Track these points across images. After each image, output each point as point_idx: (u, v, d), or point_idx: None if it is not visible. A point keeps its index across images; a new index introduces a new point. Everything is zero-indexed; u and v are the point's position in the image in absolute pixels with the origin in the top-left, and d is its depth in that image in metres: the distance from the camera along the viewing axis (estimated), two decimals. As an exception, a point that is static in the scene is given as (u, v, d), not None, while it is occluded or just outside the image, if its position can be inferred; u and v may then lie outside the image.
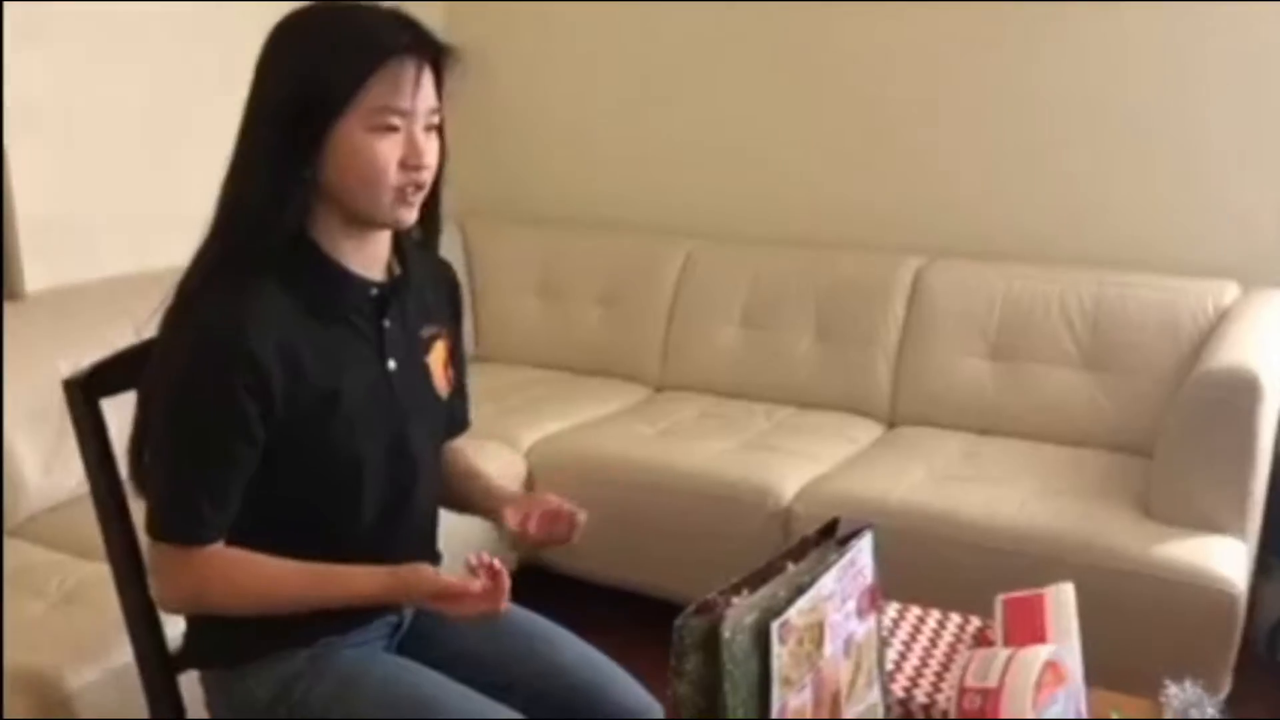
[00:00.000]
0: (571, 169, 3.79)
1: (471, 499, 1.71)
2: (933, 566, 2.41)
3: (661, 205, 3.63)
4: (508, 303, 3.65)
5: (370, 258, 1.49)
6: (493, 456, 2.83)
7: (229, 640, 1.50)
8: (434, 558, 1.66)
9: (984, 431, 2.97)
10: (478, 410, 3.06)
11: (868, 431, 3.04)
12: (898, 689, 1.38)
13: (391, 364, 1.53)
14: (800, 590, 1.13)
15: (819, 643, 1.15)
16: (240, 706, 1.50)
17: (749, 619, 1.06)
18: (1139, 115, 3.02)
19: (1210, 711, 1.47)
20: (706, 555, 2.57)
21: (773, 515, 2.60)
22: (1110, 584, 2.29)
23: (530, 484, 2.89)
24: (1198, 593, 2.24)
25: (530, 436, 2.97)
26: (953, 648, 1.48)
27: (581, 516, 1.59)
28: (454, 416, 1.72)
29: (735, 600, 1.13)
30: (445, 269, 1.69)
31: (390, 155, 1.39)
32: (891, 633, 1.51)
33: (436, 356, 1.63)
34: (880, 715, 1.28)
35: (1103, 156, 3.08)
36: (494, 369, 3.55)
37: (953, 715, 1.30)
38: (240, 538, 1.44)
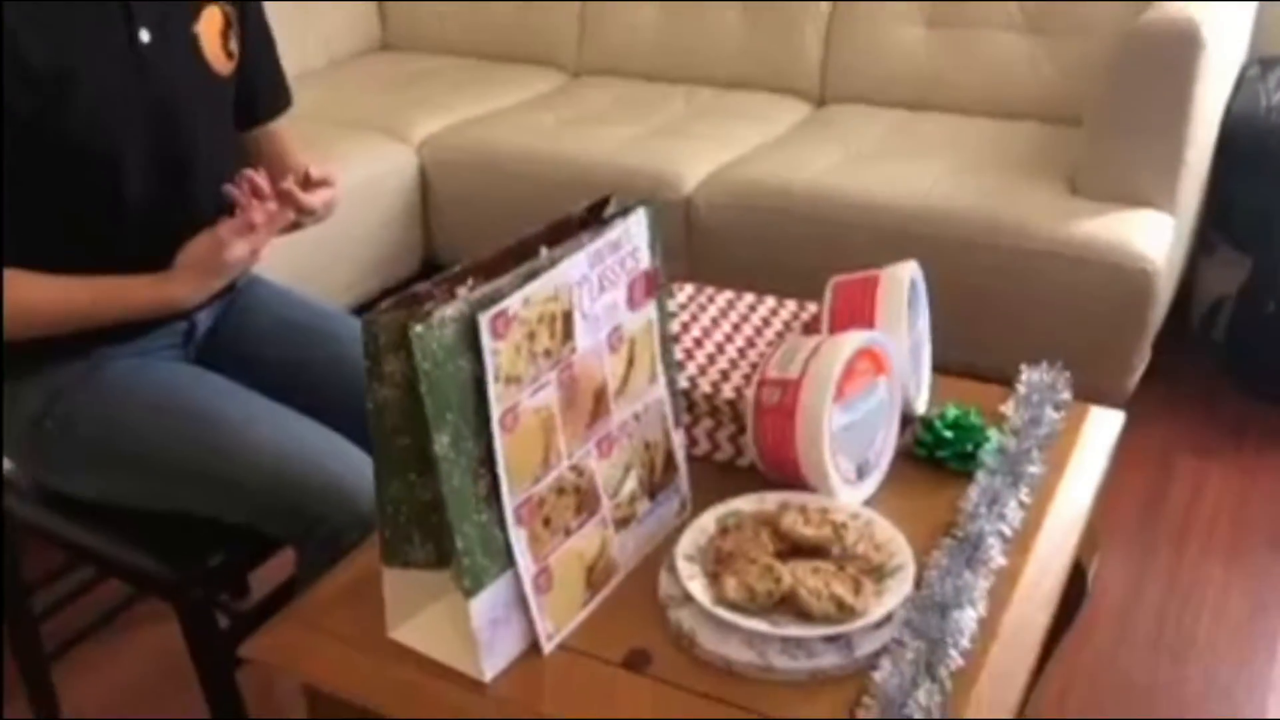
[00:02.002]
0: None
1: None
2: (840, 254, 2.23)
3: None
4: (414, -16, 3.33)
5: None
6: (381, 153, 2.64)
7: (-2, 353, 1.37)
8: None
9: (916, 107, 2.73)
10: (376, 103, 2.88)
11: (793, 112, 2.81)
12: (705, 383, 1.25)
13: (144, 35, 1.32)
14: (534, 277, 0.97)
15: (565, 336, 1.01)
16: (14, 422, 1.39)
17: (450, 312, 0.91)
18: None
19: (1064, 395, 1.34)
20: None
21: (673, 206, 2.42)
22: (1021, 265, 2.14)
23: (423, 181, 2.70)
24: (1112, 271, 2.08)
25: (424, 129, 2.76)
26: (780, 337, 1.33)
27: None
28: (255, 95, 1.52)
29: (460, 291, 0.97)
30: None
31: None
32: (715, 323, 1.37)
33: (209, 25, 1.40)
34: (666, 412, 1.15)
35: None
36: (399, 58, 3.29)
37: (751, 408, 1.17)
38: None
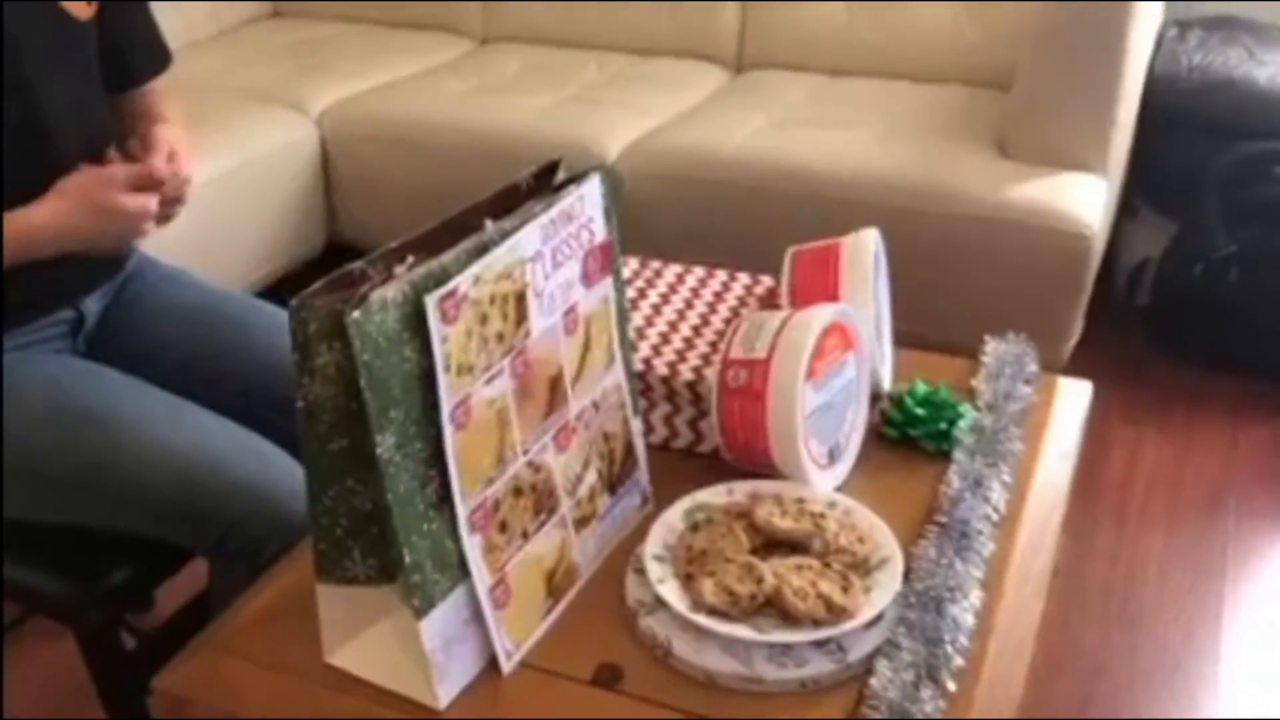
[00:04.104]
0: None
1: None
2: (769, 222, 2.17)
3: None
4: (305, -54, 3.14)
5: None
6: (278, 125, 2.48)
7: None
8: None
9: (836, 72, 2.66)
10: (271, 72, 2.70)
11: (711, 79, 2.72)
12: (661, 364, 1.15)
13: None
14: (484, 253, 0.86)
15: (519, 319, 0.90)
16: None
17: (392, 294, 0.79)
18: None
19: (1031, 367, 1.27)
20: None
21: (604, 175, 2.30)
22: (956, 230, 2.09)
23: (324, 155, 2.54)
24: (1048, 236, 2.03)
25: (324, 99, 2.59)
26: (735, 312, 1.24)
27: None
28: (126, 54, 1.35)
29: (397, 270, 0.85)
30: None
31: None
32: (665, 299, 1.27)
33: None
34: (625, 398, 1.04)
35: None
36: (292, 25, 3.11)
37: (715, 392, 1.08)
38: None
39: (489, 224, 0.91)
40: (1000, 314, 2.10)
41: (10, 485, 1.21)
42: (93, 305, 1.35)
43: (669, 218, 2.27)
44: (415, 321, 0.81)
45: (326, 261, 2.62)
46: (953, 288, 2.13)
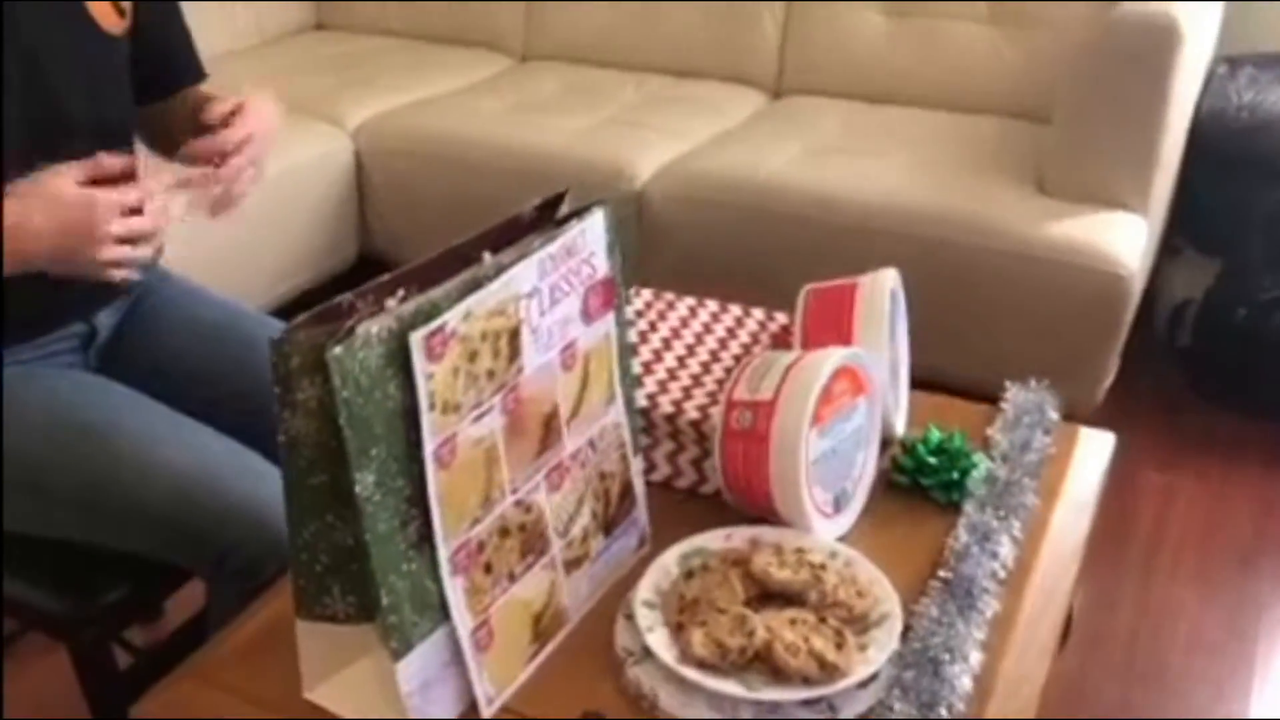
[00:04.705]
0: None
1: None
2: (802, 250, 2.15)
3: None
4: (351, -41, 3.16)
5: None
6: (314, 138, 2.48)
7: None
8: None
9: (875, 100, 2.63)
10: (310, 84, 2.71)
11: (748, 103, 2.69)
12: (666, 402, 1.12)
13: None
14: (476, 288, 0.84)
15: (512, 355, 0.87)
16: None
17: (376, 329, 0.77)
18: None
19: (1051, 415, 1.23)
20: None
21: (625, 201, 2.29)
22: (989, 266, 2.04)
23: (358, 169, 2.54)
24: (1085, 275, 1.99)
25: (360, 114, 2.59)
26: (746, 350, 1.21)
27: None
28: (162, 64, 1.35)
29: (389, 303, 0.83)
30: None
31: None
32: (675, 334, 1.24)
33: None
34: (625, 436, 1.02)
35: None
36: (334, 38, 3.12)
37: (718, 433, 1.05)
38: None
39: (487, 257, 0.89)
40: (1032, 353, 2.07)
41: (10, 499, 1.20)
42: (106, 319, 1.34)
43: (700, 242, 2.24)
44: (400, 357, 0.79)
45: (358, 274, 2.62)
46: (984, 324, 2.09)
